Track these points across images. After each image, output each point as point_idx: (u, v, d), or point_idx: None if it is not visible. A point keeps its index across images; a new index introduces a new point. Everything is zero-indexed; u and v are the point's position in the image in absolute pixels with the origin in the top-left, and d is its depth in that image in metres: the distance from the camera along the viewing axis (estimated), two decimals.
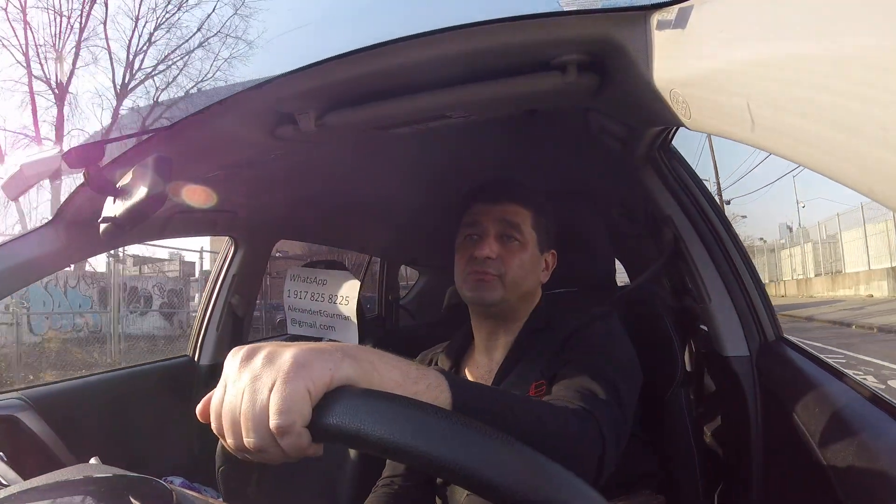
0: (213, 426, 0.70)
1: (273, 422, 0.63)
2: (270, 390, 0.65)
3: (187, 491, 0.82)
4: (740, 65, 0.72)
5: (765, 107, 0.70)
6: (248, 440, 0.65)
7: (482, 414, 0.83)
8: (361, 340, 2.46)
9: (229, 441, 0.68)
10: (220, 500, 0.90)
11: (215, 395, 0.71)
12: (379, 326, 4.09)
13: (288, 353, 0.67)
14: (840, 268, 24.93)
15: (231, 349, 0.72)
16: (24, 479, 0.91)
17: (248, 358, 0.69)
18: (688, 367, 1.80)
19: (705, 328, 1.97)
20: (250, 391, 0.66)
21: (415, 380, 0.78)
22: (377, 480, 1.68)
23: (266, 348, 0.69)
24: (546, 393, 1.40)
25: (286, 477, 1.92)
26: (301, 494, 2.02)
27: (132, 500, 0.74)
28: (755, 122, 0.75)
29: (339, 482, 2.08)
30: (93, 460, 1.06)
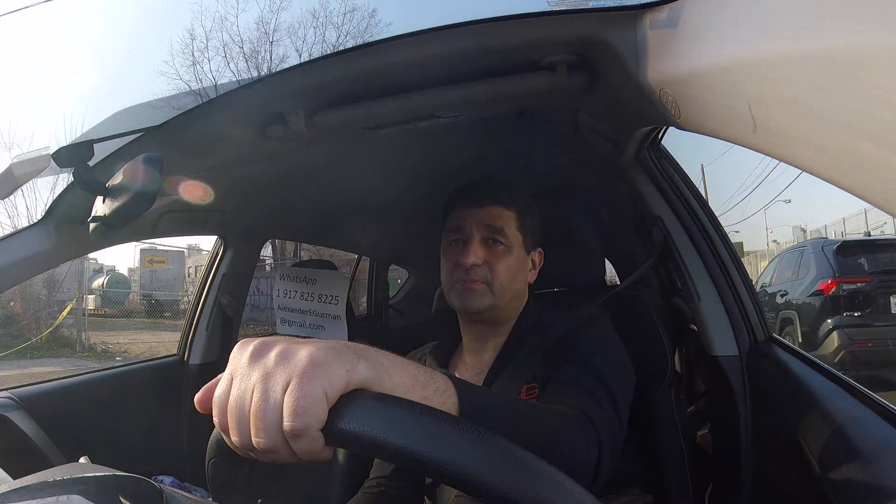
0: (216, 420, 0.67)
1: (287, 423, 0.60)
2: (285, 389, 0.61)
3: (177, 490, 0.81)
4: (731, 64, 0.72)
5: (756, 107, 0.70)
6: (257, 440, 0.62)
7: (487, 418, 0.83)
8: (351, 340, 2.45)
9: (235, 439, 0.65)
10: (210, 499, 0.90)
11: (220, 387, 0.67)
12: (368, 326, 4.09)
13: (304, 351, 0.64)
14: None
15: (220, 349, 0.70)
16: (14, 479, 0.91)
17: (260, 353, 0.65)
18: (677, 367, 1.80)
19: (695, 328, 1.97)
20: (262, 389, 0.62)
21: (423, 384, 0.76)
22: (365, 481, 1.68)
23: (279, 344, 0.66)
24: (538, 396, 1.40)
25: (275, 473, 1.92)
26: (289, 491, 2.02)
27: (122, 499, 0.73)
28: (746, 123, 0.75)
29: (327, 481, 2.08)
30: (82, 459, 1.05)
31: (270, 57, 1.35)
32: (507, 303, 1.56)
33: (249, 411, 0.63)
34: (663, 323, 1.85)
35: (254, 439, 0.63)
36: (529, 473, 0.58)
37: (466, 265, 1.49)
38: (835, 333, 7.51)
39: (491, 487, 0.56)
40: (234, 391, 0.65)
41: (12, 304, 18.25)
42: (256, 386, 0.63)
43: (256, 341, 0.67)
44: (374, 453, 0.60)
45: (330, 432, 0.61)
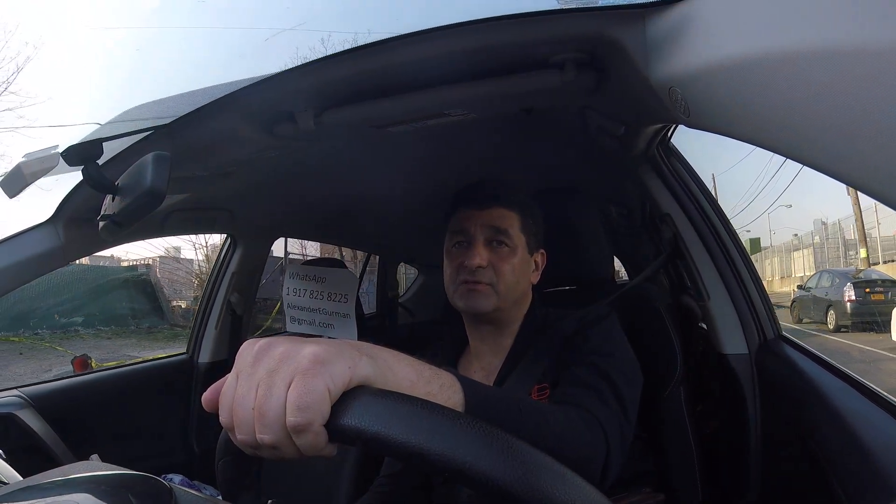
0: (222, 419, 0.67)
1: (290, 419, 0.61)
2: (288, 386, 0.62)
3: (186, 489, 0.82)
4: (740, 62, 0.72)
5: (764, 104, 0.70)
6: (261, 436, 0.63)
7: (493, 415, 0.82)
8: (360, 338, 2.44)
9: (239, 436, 0.65)
10: (220, 498, 0.90)
11: (226, 386, 0.67)
12: (378, 324, 4.10)
13: (307, 349, 0.64)
14: (788, 273, 32.81)
15: (230, 348, 0.70)
16: (23, 477, 0.91)
17: (264, 351, 0.66)
18: (686, 366, 1.80)
19: (704, 326, 1.97)
20: (266, 386, 0.63)
21: (428, 379, 0.77)
22: (375, 479, 1.67)
23: (283, 343, 0.66)
24: (549, 396, 1.40)
25: (285, 473, 1.92)
26: (299, 491, 2.02)
27: (131, 498, 0.74)
28: (755, 121, 0.75)
29: (337, 480, 2.08)
30: (93, 458, 1.06)
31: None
32: (511, 304, 1.55)
33: (254, 408, 0.63)
34: (672, 321, 1.84)
35: (258, 435, 0.63)
36: (536, 469, 0.58)
37: (472, 266, 1.48)
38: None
39: (494, 482, 0.56)
40: (238, 389, 0.65)
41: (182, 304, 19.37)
42: (261, 383, 0.63)
43: (262, 341, 0.68)
44: (376, 449, 0.60)
45: (333, 428, 0.62)
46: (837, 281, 15.52)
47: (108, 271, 17.87)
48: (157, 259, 20.51)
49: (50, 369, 10.76)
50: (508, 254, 1.52)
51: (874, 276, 15.68)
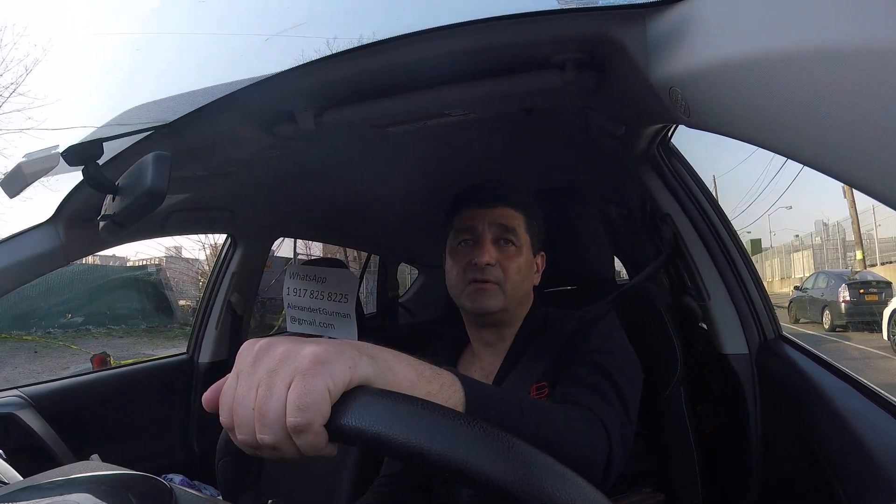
0: (223, 419, 0.67)
1: (291, 419, 0.61)
2: (288, 386, 0.62)
3: (186, 489, 0.82)
4: (741, 62, 0.72)
5: (765, 104, 0.70)
6: (261, 436, 0.62)
7: (494, 414, 0.82)
8: (360, 338, 2.44)
9: (239, 436, 0.65)
10: (220, 498, 0.90)
11: (226, 386, 0.67)
12: (378, 324, 4.09)
13: (307, 350, 0.64)
14: (788, 274, 33.52)
15: (230, 348, 0.70)
16: (24, 477, 0.91)
17: (265, 351, 0.66)
18: (686, 366, 1.80)
19: (704, 326, 1.96)
20: (266, 386, 0.63)
21: (429, 379, 0.76)
22: (375, 479, 1.67)
23: (284, 343, 0.66)
24: (548, 395, 1.40)
25: (285, 473, 1.92)
26: (299, 491, 2.02)
27: (132, 498, 0.74)
28: (755, 121, 0.75)
29: (337, 480, 2.08)
30: (93, 458, 1.06)
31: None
32: (515, 305, 1.56)
33: (254, 408, 0.63)
34: (673, 321, 1.84)
35: (258, 435, 0.63)
36: (536, 469, 0.58)
37: (481, 264, 1.47)
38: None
39: (495, 483, 0.56)
40: (239, 389, 0.65)
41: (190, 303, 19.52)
42: (261, 383, 0.63)
43: (262, 341, 0.68)
44: (376, 449, 0.60)
45: (333, 428, 0.62)
46: (833, 282, 16.43)
47: (117, 271, 18.05)
48: (164, 259, 20.64)
49: (67, 367, 10.93)
50: (515, 253, 1.52)
51: (869, 278, 16.56)
